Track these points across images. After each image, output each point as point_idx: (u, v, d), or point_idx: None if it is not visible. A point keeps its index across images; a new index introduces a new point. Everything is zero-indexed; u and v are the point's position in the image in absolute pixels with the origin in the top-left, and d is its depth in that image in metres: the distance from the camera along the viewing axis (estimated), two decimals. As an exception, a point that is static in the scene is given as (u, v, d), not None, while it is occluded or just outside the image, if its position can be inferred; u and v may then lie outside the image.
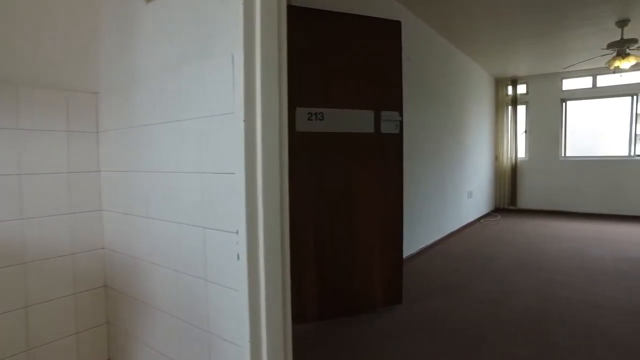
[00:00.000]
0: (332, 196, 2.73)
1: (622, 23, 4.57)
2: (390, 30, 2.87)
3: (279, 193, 1.20)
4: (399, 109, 2.87)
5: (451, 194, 5.50)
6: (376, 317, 2.80)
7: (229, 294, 1.21)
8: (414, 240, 4.38)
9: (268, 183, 1.16)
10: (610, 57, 4.79)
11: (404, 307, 2.97)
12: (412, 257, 4.29)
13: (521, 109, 7.59)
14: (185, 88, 1.31)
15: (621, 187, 6.74)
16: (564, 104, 7.24)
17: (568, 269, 3.82)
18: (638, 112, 6.75)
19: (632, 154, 6.78)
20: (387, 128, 2.84)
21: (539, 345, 2.35)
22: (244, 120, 1.11)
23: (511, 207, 7.59)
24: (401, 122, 2.87)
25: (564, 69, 5.73)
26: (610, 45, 4.73)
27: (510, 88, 7.52)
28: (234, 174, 1.15)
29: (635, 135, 6.78)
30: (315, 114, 2.67)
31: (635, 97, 6.72)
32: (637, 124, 6.76)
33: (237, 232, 1.15)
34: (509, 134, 7.55)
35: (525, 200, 7.53)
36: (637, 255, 4.26)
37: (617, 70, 4.85)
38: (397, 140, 2.87)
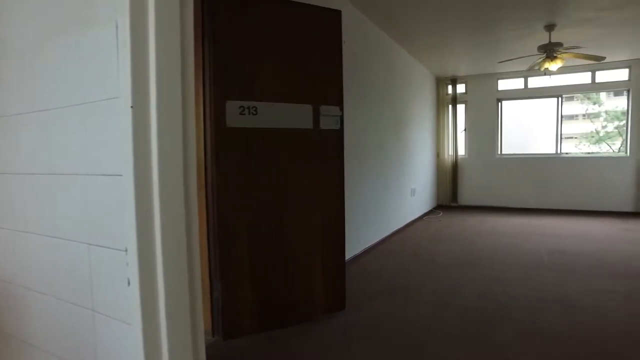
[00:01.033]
0: (268, 197, 2.50)
1: (550, 27, 4.77)
2: (330, 20, 2.69)
3: (182, 199, 0.95)
4: (340, 103, 2.70)
5: (395, 192, 5.47)
6: (318, 326, 2.62)
7: (121, 328, 0.95)
8: (358, 240, 4.26)
9: (168, 187, 0.91)
10: (541, 58, 4.98)
11: (347, 313, 2.81)
12: (357, 257, 4.17)
13: (461, 108, 7.80)
14: (58, 67, 1.02)
15: (550, 183, 7.13)
16: (499, 103, 7.53)
17: (507, 265, 3.87)
18: (563, 114, 7.17)
19: (559, 152, 7.19)
20: (326, 124, 2.66)
21: (484, 348, 2.29)
22: (132, 107, 0.85)
23: (452, 204, 7.77)
24: (342, 117, 2.70)
25: (499, 62, 5.91)
26: (540, 48, 4.92)
27: (450, 87, 7.69)
28: (120, 175, 0.89)
29: (561, 134, 7.19)
30: (248, 107, 2.43)
31: (560, 98, 7.12)
32: (563, 124, 7.17)
33: (126, 251, 0.90)
34: (449, 132, 7.73)
35: (466, 196, 7.75)
36: (567, 248, 4.44)
37: (547, 71, 5.05)
38: (337, 137, 2.70)
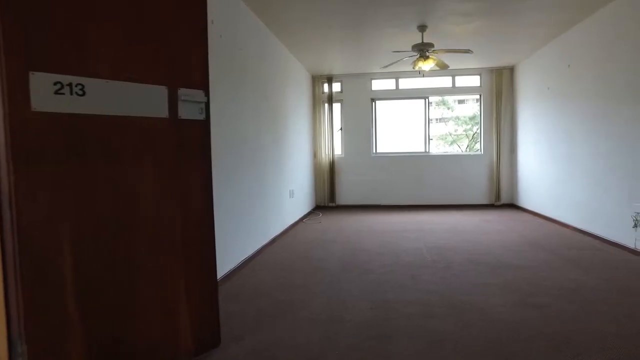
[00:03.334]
0: (104, 211, 1.79)
1: (422, 28, 4.88)
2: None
3: None
4: (204, 86, 2.11)
5: (273, 195, 5.02)
6: (182, 378, 2.00)
7: None
8: (233, 253, 3.69)
9: None
10: (415, 58, 5.07)
11: (223, 349, 2.24)
12: (233, 273, 3.59)
13: (337, 107, 7.75)
14: None
15: (421, 180, 7.53)
16: (373, 103, 7.68)
17: (393, 266, 3.73)
18: (430, 117, 7.63)
19: (427, 150, 7.64)
20: (187, 112, 2.05)
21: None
22: None
23: (331, 204, 7.68)
24: (207, 104, 2.12)
25: (382, 68, 5.94)
26: (414, 47, 5.00)
27: (326, 86, 7.58)
28: None
29: (429, 134, 7.64)
30: (70, 85, 1.69)
31: (427, 100, 7.57)
32: (430, 125, 7.64)
33: None
34: (326, 132, 7.61)
35: (344, 196, 7.73)
36: (443, 244, 4.55)
37: (421, 71, 5.17)
38: (202, 129, 2.10)
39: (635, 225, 3.94)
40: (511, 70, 7.18)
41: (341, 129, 7.79)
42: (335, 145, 7.69)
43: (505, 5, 4.29)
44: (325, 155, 7.63)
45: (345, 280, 3.39)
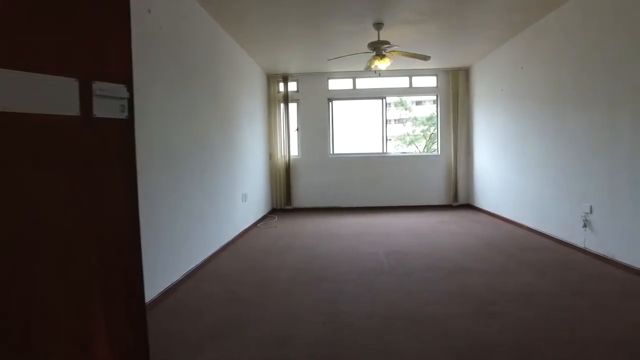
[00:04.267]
0: (-7, 231, 1.46)
1: (378, 26, 4.75)
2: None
3: None
4: (126, 80, 1.81)
5: (223, 200, 4.72)
6: None
7: None
8: (176, 264, 3.37)
9: None
10: (371, 56, 4.93)
11: (153, 382, 1.95)
12: (176, 285, 3.27)
13: (292, 107, 7.51)
14: None
15: (379, 181, 7.44)
16: (330, 103, 7.50)
17: (350, 274, 3.55)
18: (388, 118, 7.57)
19: (385, 151, 7.56)
20: (104, 110, 1.74)
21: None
22: None
23: (287, 207, 7.43)
24: (131, 100, 1.82)
25: (329, 60, 5.74)
26: (370, 45, 4.86)
27: (282, 85, 7.32)
28: None
29: (387, 135, 7.57)
30: (-56, 74, 1.35)
31: (384, 100, 7.49)
32: (387, 125, 7.56)
33: None
34: (282, 132, 7.36)
35: (300, 199, 7.51)
36: (401, 248, 4.44)
37: (377, 70, 5.04)
38: (123, 130, 1.79)
39: (585, 225, 3.99)
40: (467, 71, 7.24)
41: (297, 129, 7.56)
42: (291, 146, 7.44)
43: (459, 6, 4.23)
44: (281, 157, 7.37)
45: (299, 291, 3.16)
